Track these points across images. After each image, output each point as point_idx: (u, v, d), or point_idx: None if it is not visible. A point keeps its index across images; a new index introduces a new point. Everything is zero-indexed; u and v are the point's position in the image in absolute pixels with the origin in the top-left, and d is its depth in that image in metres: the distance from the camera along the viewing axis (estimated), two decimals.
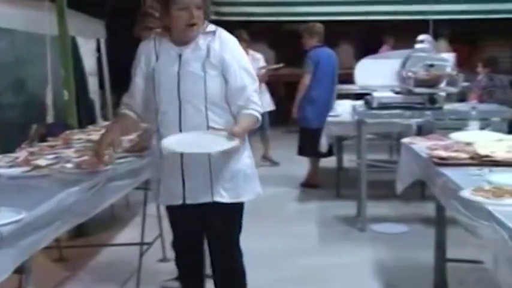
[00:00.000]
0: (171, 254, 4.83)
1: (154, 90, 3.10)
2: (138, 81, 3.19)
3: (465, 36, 10.47)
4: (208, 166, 3.09)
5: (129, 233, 5.66)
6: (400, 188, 4.19)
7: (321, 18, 8.44)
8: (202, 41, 3.07)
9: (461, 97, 7.45)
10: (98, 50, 8.46)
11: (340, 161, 7.53)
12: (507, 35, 11.02)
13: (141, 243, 4.40)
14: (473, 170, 3.13)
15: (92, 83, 8.15)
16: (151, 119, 3.18)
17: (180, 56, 3.07)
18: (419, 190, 6.47)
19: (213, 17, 8.68)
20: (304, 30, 7.31)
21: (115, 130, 3.30)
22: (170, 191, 3.19)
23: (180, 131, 3.05)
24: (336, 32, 9.90)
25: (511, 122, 5.89)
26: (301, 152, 7.56)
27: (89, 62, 8.02)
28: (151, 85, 3.12)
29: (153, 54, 3.13)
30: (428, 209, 5.42)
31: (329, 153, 7.19)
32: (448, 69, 5.65)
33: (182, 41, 3.07)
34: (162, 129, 3.11)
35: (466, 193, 2.63)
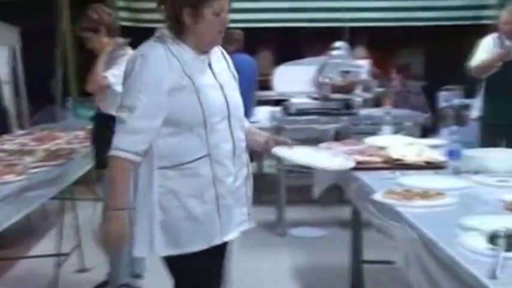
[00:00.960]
0: (89, 264, 4.79)
1: (202, 105, 2.46)
2: (163, 99, 2.43)
3: (381, 43, 10.73)
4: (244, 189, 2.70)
5: (46, 244, 5.53)
6: (317, 192, 4.27)
7: (240, 25, 8.49)
8: (216, 49, 2.66)
9: (377, 102, 7.66)
10: (14, 57, 8.26)
11: (260, 167, 7.58)
12: (420, 42, 11.37)
13: (58, 254, 4.32)
14: (386, 173, 3.23)
15: (6, 91, 7.94)
16: (186, 141, 2.49)
17: (210, 65, 2.59)
18: (336, 194, 6.59)
19: (130, 24, 8.64)
20: (223, 37, 7.32)
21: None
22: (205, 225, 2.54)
23: (234, 150, 2.56)
24: (255, 39, 9.98)
25: (423, 127, 6.10)
26: None
27: (2, 70, 7.81)
28: (193, 100, 2.46)
29: (176, 62, 2.46)
30: (345, 212, 5.53)
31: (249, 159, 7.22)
32: (363, 76, 5.80)
33: (202, 48, 2.54)
34: (214, 149, 2.50)
35: (378, 196, 2.71)
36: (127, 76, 2.47)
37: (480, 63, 5.96)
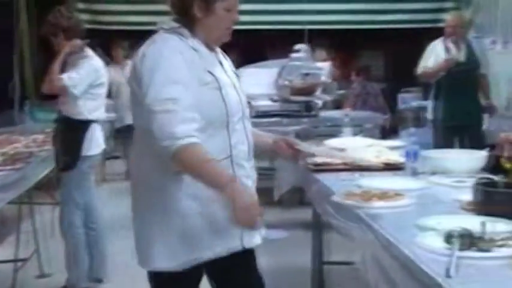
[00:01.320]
0: (48, 269, 4.72)
1: (225, 104, 2.35)
2: (196, 92, 2.28)
3: (342, 46, 10.81)
4: None
5: (4, 250, 5.43)
6: (277, 194, 4.29)
7: None
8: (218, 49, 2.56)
9: (337, 104, 7.72)
10: None
11: None
12: (380, 45, 11.49)
13: (16, 260, 4.26)
14: (346, 175, 3.25)
15: None
16: (209, 141, 2.31)
17: (220, 62, 2.50)
18: (298, 196, 6.62)
19: (91, 26, 8.56)
20: None
21: None
22: (226, 232, 2.39)
23: (249, 151, 2.48)
24: None
25: (382, 128, 6.17)
26: None
27: None
28: (217, 97, 2.34)
29: (197, 56, 2.35)
30: (307, 214, 5.55)
31: None
32: (323, 78, 5.84)
33: (209, 44, 2.45)
34: (234, 150, 2.40)
35: (337, 197, 2.72)
36: (152, 69, 2.26)
37: (425, 70, 6.08)
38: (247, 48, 11.77)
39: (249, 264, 2.60)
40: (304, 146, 2.84)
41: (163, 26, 2.42)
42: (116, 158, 9.21)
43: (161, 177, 2.32)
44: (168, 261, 2.35)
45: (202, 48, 2.38)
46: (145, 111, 2.24)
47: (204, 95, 2.29)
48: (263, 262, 4.98)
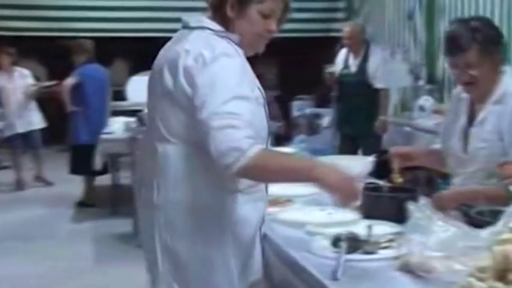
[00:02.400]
0: None
1: (267, 121, 2.21)
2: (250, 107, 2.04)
3: None
4: None
5: None
6: None
7: (94, 35, 8.35)
8: None
9: None
10: None
11: (115, 178, 7.46)
12: (274, 53, 11.66)
13: None
14: None
15: None
16: None
17: None
18: None
19: None
20: (73, 47, 7.19)
21: None
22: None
23: None
24: (110, 49, 9.84)
25: (276, 135, 6.26)
26: (75, 170, 7.38)
27: None
28: (262, 114, 2.17)
29: (247, 67, 2.14)
30: None
31: (104, 170, 7.10)
32: None
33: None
34: None
35: None
36: (213, 79, 1.98)
37: (326, 76, 6.28)
38: (141, 55, 11.68)
39: None
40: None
41: (209, 27, 2.13)
42: (5, 168, 8.89)
43: (216, 197, 2.10)
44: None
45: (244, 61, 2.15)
46: (200, 124, 1.97)
47: (255, 110, 2.07)
48: None
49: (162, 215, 2.12)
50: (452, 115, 2.86)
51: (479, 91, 2.67)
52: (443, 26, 6.18)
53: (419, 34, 6.71)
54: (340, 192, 2.04)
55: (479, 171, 2.61)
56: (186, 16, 2.22)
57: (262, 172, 2.00)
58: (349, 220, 2.35)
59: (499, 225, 1.57)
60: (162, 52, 2.22)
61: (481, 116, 2.69)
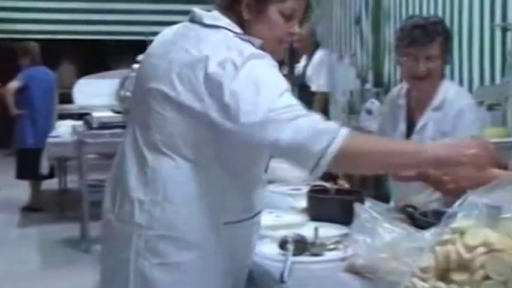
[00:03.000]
0: None
1: None
2: None
3: None
4: None
5: None
6: None
7: (40, 37, 8.24)
8: None
9: None
10: None
11: (63, 182, 7.35)
12: None
13: None
14: None
15: None
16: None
17: None
18: None
19: None
20: (18, 50, 7.09)
21: None
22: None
23: None
24: (57, 51, 9.71)
25: None
26: (20, 174, 7.25)
27: None
28: None
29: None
30: None
31: (51, 175, 7.00)
32: None
33: None
34: None
35: None
36: (254, 82, 1.71)
37: None
38: (88, 58, 11.55)
39: None
40: None
41: (229, 28, 1.84)
42: None
43: (209, 228, 1.81)
44: None
45: None
46: (250, 130, 1.70)
47: None
48: None
49: (143, 237, 1.80)
50: (390, 120, 2.92)
51: (427, 89, 2.74)
52: (388, 31, 6.27)
53: (366, 38, 6.80)
54: (475, 160, 1.82)
55: None
56: (198, 9, 1.90)
57: (360, 156, 1.75)
58: (297, 222, 2.38)
59: (441, 226, 1.60)
60: (161, 47, 1.90)
61: (420, 123, 2.76)
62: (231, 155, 1.80)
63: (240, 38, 1.80)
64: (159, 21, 9.26)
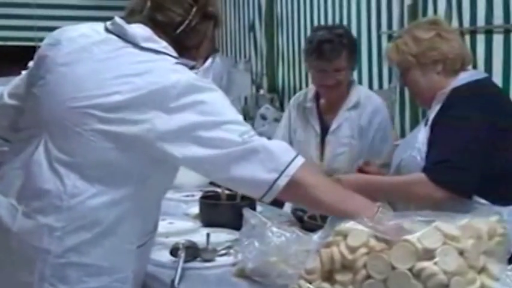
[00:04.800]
0: None
1: None
2: None
3: None
4: None
5: None
6: None
7: None
8: None
9: None
10: None
11: None
12: None
13: None
14: None
15: None
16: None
17: None
18: None
19: None
20: None
21: None
22: None
23: None
24: None
25: None
26: None
27: None
28: None
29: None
30: None
31: None
32: None
33: None
34: None
35: None
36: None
37: None
38: None
39: None
40: None
41: (166, 52, 1.71)
42: None
43: (123, 253, 1.68)
44: None
45: None
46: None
47: None
48: None
49: (51, 265, 1.61)
50: (300, 124, 2.98)
51: (336, 94, 2.84)
52: (282, 38, 6.37)
53: (260, 45, 6.87)
54: None
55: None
56: (123, 23, 1.71)
57: (305, 191, 1.65)
58: (189, 229, 2.39)
59: (326, 228, 1.66)
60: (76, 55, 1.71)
61: (334, 124, 2.86)
62: (153, 184, 1.71)
63: (179, 63, 1.70)
64: (50, 27, 9.08)
